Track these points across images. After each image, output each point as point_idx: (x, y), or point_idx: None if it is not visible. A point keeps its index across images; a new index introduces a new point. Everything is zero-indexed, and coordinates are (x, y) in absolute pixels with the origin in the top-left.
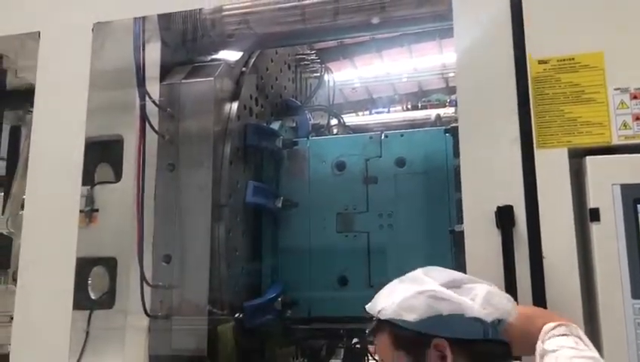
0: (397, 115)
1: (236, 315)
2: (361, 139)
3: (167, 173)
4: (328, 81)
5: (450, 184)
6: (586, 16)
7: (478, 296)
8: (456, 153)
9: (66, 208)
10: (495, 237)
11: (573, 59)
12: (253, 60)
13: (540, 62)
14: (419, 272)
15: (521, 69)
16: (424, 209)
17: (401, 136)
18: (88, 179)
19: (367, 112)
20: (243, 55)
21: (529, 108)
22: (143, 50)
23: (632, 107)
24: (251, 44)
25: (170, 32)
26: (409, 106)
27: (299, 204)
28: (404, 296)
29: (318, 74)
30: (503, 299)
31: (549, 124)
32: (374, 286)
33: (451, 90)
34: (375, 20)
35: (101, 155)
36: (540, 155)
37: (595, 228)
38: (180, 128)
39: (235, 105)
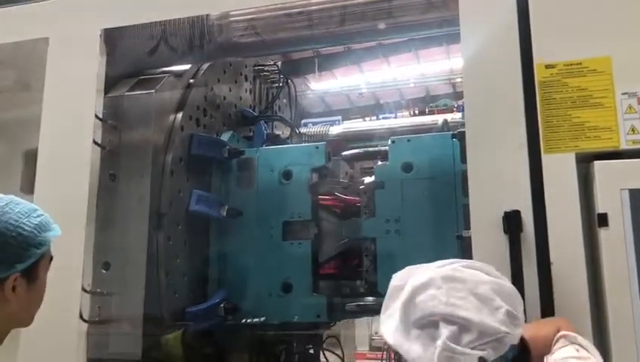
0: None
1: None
2: (307, 148)
3: (109, 182)
4: (305, 91)
5: (457, 189)
6: (594, 21)
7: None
8: (464, 158)
9: (74, 211)
10: (502, 243)
11: (580, 63)
12: (202, 72)
13: (547, 66)
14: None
15: (528, 74)
16: (431, 214)
17: (408, 141)
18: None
19: (375, 117)
20: (192, 67)
21: (536, 113)
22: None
23: None
24: (258, 49)
25: (177, 38)
26: (416, 111)
27: (247, 212)
28: None
29: (279, 85)
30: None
31: (556, 129)
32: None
33: (459, 96)
34: (382, 26)
35: None
36: (547, 160)
37: (603, 234)
38: (122, 139)
39: (179, 116)
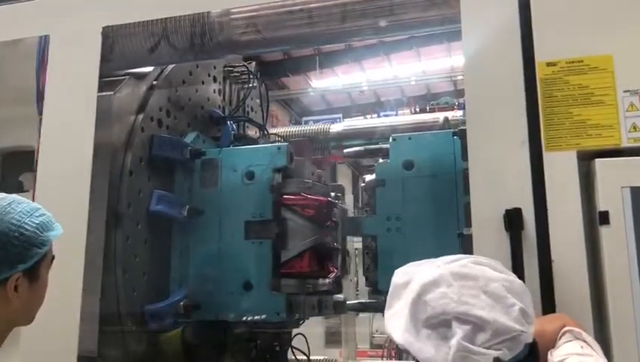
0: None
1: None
2: (269, 149)
3: None
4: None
5: (458, 187)
6: (595, 19)
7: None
8: (465, 156)
9: (75, 209)
10: (504, 241)
11: (582, 61)
12: (166, 74)
13: (549, 64)
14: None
15: (530, 72)
16: (432, 212)
17: (409, 139)
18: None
19: (375, 115)
20: (155, 69)
21: (537, 111)
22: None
23: None
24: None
25: (178, 35)
26: (417, 109)
27: (210, 212)
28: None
29: (251, 85)
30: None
31: (557, 127)
32: (383, 291)
33: (460, 93)
34: (383, 23)
35: (22, 165)
36: (548, 158)
37: (604, 232)
38: None
39: (140, 118)
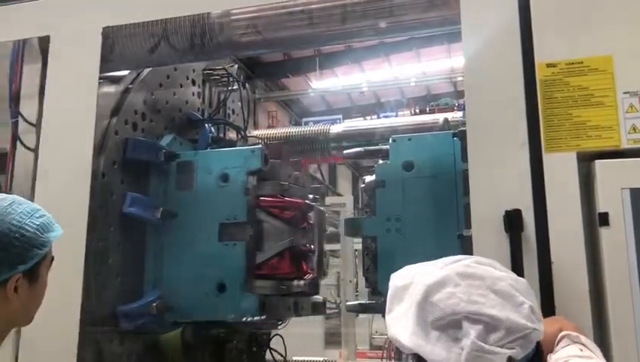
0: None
1: None
2: (243, 152)
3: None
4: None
5: (458, 188)
6: (595, 20)
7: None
8: (465, 157)
9: (75, 210)
10: (503, 242)
11: (582, 62)
12: (142, 78)
13: (549, 65)
14: None
15: (530, 73)
16: (432, 213)
17: (409, 140)
18: None
19: (376, 116)
20: (131, 73)
21: (537, 112)
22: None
23: None
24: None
25: (179, 36)
26: (417, 110)
27: (185, 214)
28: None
29: (232, 88)
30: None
31: (557, 128)
32: (383, 292)
33: (460, 94)
34: (383, 24)
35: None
36: (548, 159)
37: (604, 233)
38: None
39: (114, 121)
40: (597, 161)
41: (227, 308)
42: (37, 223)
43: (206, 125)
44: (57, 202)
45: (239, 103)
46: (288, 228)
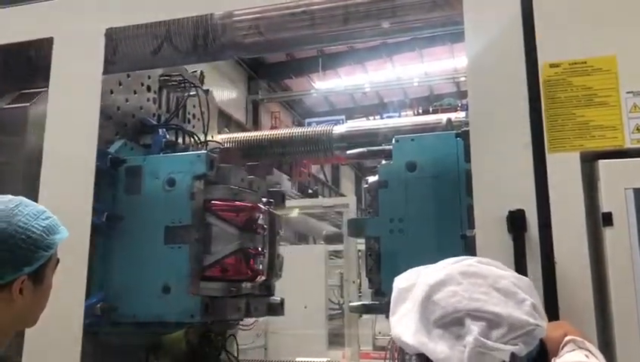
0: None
1: None
2: (189, 157)
3: None
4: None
5: (461, 188)
6: (599, 20)
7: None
8: (468, 157)
9: (78, 210)
10: (507, 242)
11: (585, 62)
12: None
13: (552, 65)
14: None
15: (533, 73)
16: (435, 213)
17: (412, 140)
18: None
19: (378, 117)
20: None
21: (541, 112)
22: None
23: None
24: (261, 48)
25: (181, 37)
26: (420, 110)
27: (133, 218)
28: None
29: (191, 93)
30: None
31: (560, 128)
32: (386, 293)
33: (462, 95)
34: (385, 25)
35: None
36: (551, 159)
37: (608, 233)
38: None
39: None
40: (600, 161)
41: (171, 309)
42: (43, 225)
43: (160, 130)
44: (60, 203)
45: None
46: (237, 231)
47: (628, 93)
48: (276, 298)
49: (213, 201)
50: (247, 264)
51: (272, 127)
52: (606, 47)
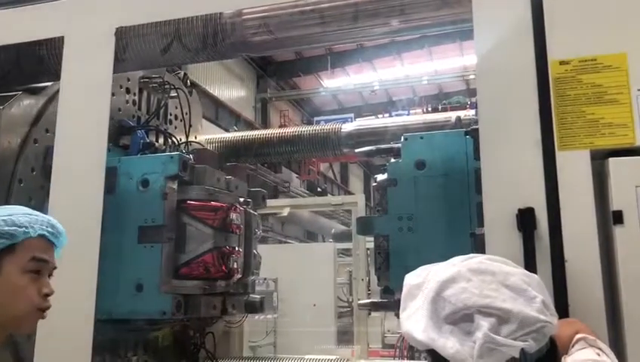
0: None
1: None
2: (162, 158)
3: None
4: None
5: (470, 186)
6: (609, 17)
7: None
8: (477, 155)
9: (89, 207)
10: (516, 240)
11: (595, 59)
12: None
13: (562, 63)
14: None
15: (542, 70)
16: (444, 212)
17: (421, 138)
18: None
19: (387, 115)
20: (55, 83)
21: (550, 110)
22: None
23: None
24: (271, 47)
25: (191, 36)
26: (429, 108)
27: (107, 217)
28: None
29: (173, 95)
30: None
31: (570, 126)
32: (395, 290)
33: (472, 93)
34: (394, 23)
35: None
36: (561, 157)
37: (618, 231)
38: None
39: (33, 130)
40: (611, 159)
41: (144, 306)
42: (4, 216)
43: (138, 132)
44: (71, 200)
45: (185, 110)
46: (212, 230)
47: (639, 90)
48: (255, 296)
49: (187, 201)
50: (222, 263)
51: (281, 126)
52: (616, 44)
